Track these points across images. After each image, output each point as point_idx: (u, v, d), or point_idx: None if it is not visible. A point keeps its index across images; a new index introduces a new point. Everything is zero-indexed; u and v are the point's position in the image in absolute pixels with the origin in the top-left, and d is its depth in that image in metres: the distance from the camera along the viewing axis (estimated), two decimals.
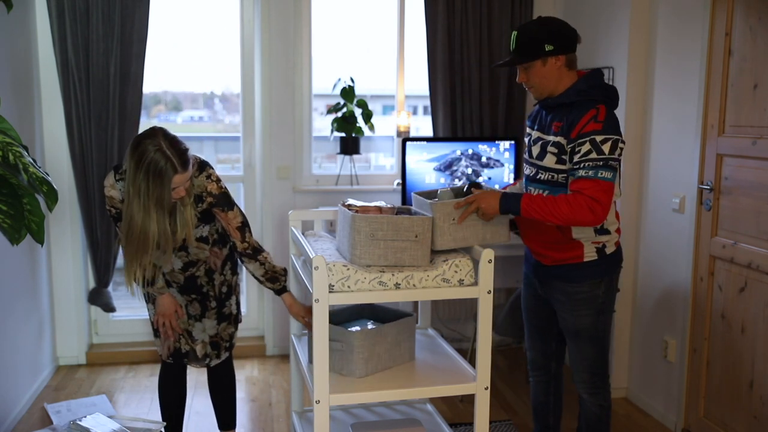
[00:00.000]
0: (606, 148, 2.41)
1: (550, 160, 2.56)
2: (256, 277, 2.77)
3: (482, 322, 2.34)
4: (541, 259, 2.71)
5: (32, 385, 3.77)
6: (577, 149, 2.45)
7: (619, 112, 3.69)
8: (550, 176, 2.58)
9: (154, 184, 2.43)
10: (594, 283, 2.63)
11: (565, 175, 2.53)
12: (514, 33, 2.57)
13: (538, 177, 2.63)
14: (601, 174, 2.40)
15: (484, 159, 4.16)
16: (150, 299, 2.81)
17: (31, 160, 2.36)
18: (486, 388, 2.37)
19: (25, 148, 2.38)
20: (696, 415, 3.34)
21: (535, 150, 2.65)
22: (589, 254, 2.60)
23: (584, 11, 4.07)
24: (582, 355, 2.72)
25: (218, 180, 2.66)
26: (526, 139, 2.78)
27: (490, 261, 2.31)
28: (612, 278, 2.68)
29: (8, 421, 3.37)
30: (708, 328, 3.24)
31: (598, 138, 2.42)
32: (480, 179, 4.15)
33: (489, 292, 2.33)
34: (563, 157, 2.52)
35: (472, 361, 2.51)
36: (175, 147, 2.45)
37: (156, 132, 2.47)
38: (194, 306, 2.81)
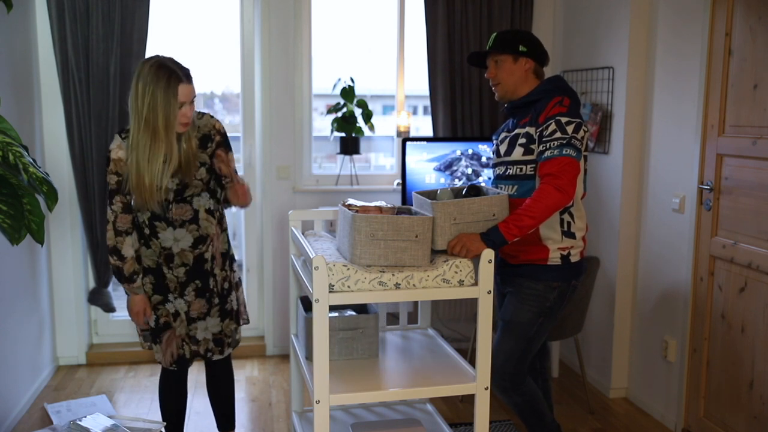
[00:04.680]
0: (570, 128, 2.56)
1: (518, 153, 2.68)
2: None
3: (482, 322, 2.34)
4: (508, 258, 2.77)
5: (32, 385, 3.77)
6: (543, 131, 2.59)
7: (619, 112, 3.70)
8: (518, 170, 2.69)
9: (163, 96, 2.49)
10: (549, 285, 2.68)
11: (534, 165, 2.64)
12: (493, 34, 2.79)
13: (506, 173, 2.74)
14: (566, 151, 2.53)
15: (484, 159, 4.16)
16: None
17: (31, 160, 2.36)
18: (486, 388, 2.37)
19: (25, 148, 2.39)
20: (696, 415, 3.34)
21: (503, 147, 2.77)
22: (554, 259, 2.68)
23: (584, 11, 4.07)
24: (501, 346, 2.73)
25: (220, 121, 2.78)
26: (492, 149, 2.88)
27: (490, 261, 2.31)
28: (567, 287, 2.72)
29: (8, 421, 3.37)
30: (708, 328, 3.24)
31: (563, 119, 2.57)
32: (480, 179, 4.15)
33: (489, 292, 2.33)
34: (531, 146, 2.64)
35: (472, 361, 2.52)
36: (176, 61, 2.57)
37: (154, 55, 2.58)
38: (197, 304, 2.76)
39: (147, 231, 2.70)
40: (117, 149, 2.61)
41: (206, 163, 2.69)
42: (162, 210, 2.66)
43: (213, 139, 2.69)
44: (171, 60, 2.56)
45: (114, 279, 4.20)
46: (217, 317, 2.82)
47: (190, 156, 2.64)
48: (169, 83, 2.50)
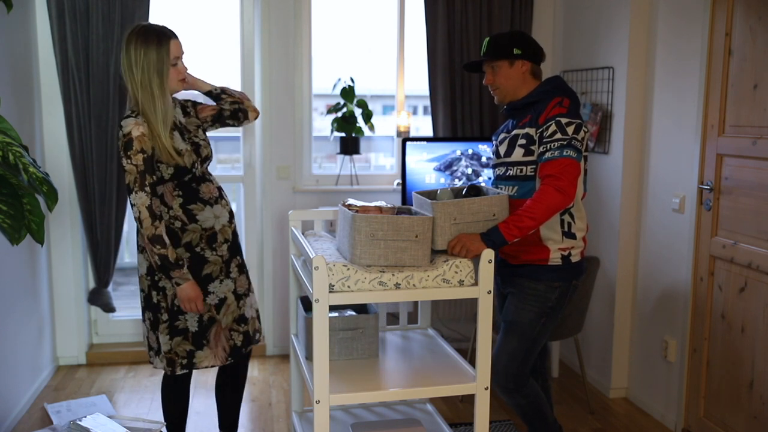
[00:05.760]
0: (570, 129, 2.57)
1: (518, 154, 2.68)
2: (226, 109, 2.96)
3: (482, 322, 2.34)
4: (508, 258, 2.77)
5: (32, 385, 3.77)
6: (544, 132, 2.60)
7: (619, 112, 3.70)
8: (518, 170, 2.70)
9: (156, 55, 2.53)
10: (550, 285, 2.68)
11: (534, 166, 2.64)
12: (486, 39, 2.77)
13: (507, 174, 2.74)
14: (566, 152, 2.53)
15: (484, 159, 4.16)
16: (181, 313, 2.68)
17: (31, 160, 2.37)
18: (486, 388, 2.37)
19: (25, 148, 2.39)
20: (696, 415, 3.34)
21: (503, 148, 2.77)
22: (555, 259, 2.68)
23: (584, 11, 4.07)
24: (504, 347, 2.73)
25: None
26: (491, 149, 2.93)
27: (490, 261, 2.31)
28: (568, 287, 2.72)
29: (8, 421, 3.37)
30: (708, 328, 3.24)
31: (563, 120, 2.58)
32: (480, 179, 4.15)
33: (489, 292, 2.33)
34: (532, 147, 2.64)
35: (472, 361, 2.52)
36: (158, 24, 2.63)
37: (136, 24, 2.65)
38: (241, 280, 2.79)
39: (178, 223, 2.64)
40: (136, 126, 2.54)
41: (199, 125, 2.80)
42: (196, 160, 2.69)
43: (187, 106, 2.80)
44: (153, 24, 2.63)
45: (114, 279, 4.23)
46: (252, 294, 2.86)
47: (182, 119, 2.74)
48: (161, 42, 2.56)
